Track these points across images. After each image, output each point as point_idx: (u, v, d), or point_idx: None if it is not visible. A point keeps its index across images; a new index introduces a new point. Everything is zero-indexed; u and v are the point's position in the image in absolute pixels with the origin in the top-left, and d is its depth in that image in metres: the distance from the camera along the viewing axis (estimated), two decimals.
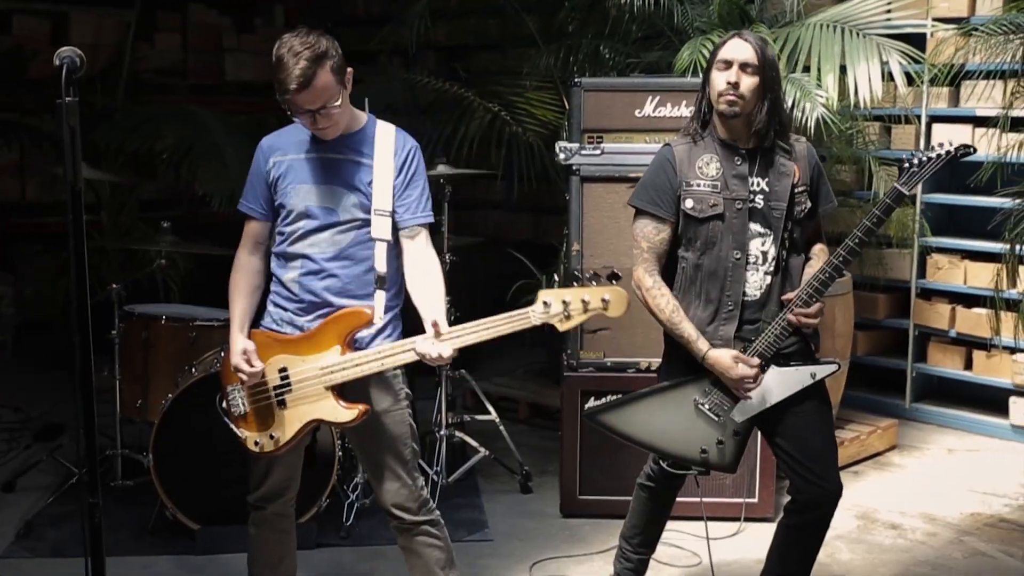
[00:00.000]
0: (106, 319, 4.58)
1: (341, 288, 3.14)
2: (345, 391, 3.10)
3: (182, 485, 4.27)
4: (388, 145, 3.15)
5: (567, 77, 4.59)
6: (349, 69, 3.09)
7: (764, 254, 3.27)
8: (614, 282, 3.01)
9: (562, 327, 2.92)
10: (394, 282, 3.18)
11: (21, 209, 7.10)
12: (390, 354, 3.05)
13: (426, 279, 3.12)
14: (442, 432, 4.87)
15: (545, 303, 2.90)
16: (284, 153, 3.19)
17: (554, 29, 5.80)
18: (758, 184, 3.26)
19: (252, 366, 3.11)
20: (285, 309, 3.22)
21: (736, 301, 3.26)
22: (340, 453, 4.39)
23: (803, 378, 3.25)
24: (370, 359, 3.06)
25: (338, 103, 3.04)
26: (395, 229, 3.15)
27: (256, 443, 3.18)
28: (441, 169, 4.86)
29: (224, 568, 3.77)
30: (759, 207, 3.26)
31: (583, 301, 2.88)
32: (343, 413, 3.08)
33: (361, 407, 3.08)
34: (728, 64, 3.16)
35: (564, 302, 2.89)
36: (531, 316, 2.92)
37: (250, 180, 3.28)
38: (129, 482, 4.68)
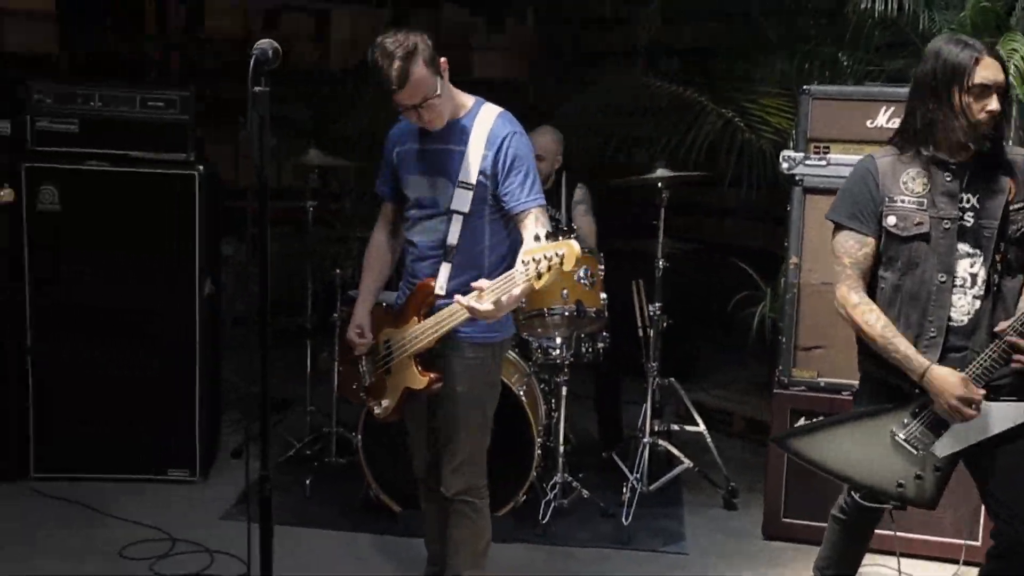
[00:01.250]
0: (332, 303, 4.82)
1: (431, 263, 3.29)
2: (430, 363, 3.27)
3: (388, 467, 4.42)
4: (485, 128, 3.22)
5: (803, 84, 4.39)
6: (442, 59, 3.15)
7: (973, 276, 3.02)
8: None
9: (537, 285, 2.87)
10: (478, 257, 3.25)
11: (276, 194, 7.54)
12: (446, 318, 3.15)
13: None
14: (646, 439, 4.80)
15: (523, 262, 2.87)
16: (402, 144, 3.35)
17: (794, 35, 5.59)
18: (968, 200, 3.01)
19: (363, 338, 3.38)
20: (405, 291, 3.41)
21: (940, 327, 3.02)
22: (540, 451, 4.41)
23: (1019, 414, 2.98)
24: (430, 326, 3.21)
25: (438, 94, 3.13)
26: (501, 212, 3.23)
27: (375, 410, 3.45)
28: (659, 172, 4.77)
29: (422, 551, 3.86)
30: (969, 225, 3.01)
31: (545, 257, 2.82)
32: (418, 379, 3.26)
33: (432, 375, 3.25)
34: (986, 89, 2.92)
35: (534, 260, 2.85)
36: (516, 276, 2.90)
37: (383, 164, 3.46)
38: (341, 460, 4.89)
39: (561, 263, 2.81)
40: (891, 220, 3.06)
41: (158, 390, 4.75)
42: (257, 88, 2.42)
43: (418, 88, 3.09)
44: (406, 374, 3.30)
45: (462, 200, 3.21)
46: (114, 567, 4.06)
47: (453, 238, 3.23)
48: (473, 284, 3.01)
